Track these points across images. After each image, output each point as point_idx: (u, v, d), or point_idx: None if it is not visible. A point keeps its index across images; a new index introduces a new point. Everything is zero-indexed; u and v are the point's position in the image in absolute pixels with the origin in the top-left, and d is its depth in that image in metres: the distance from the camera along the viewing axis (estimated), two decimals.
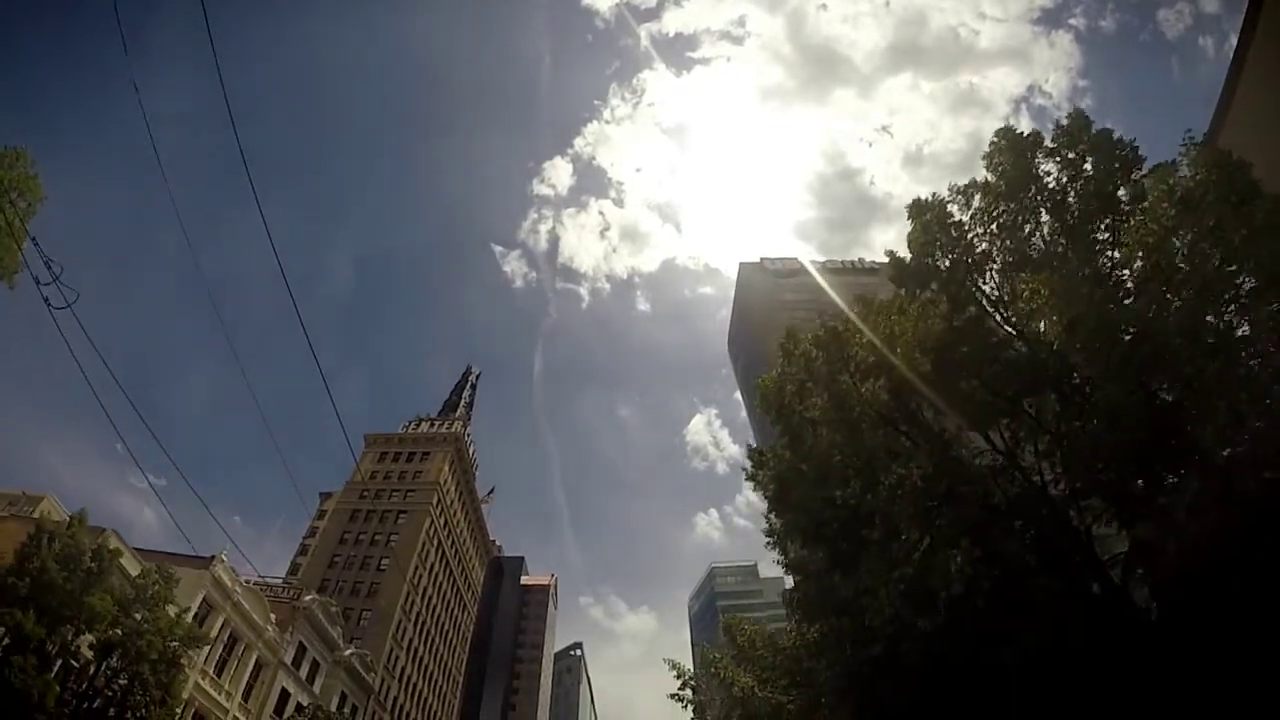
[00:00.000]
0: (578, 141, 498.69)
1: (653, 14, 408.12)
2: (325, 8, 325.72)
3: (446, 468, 76.00)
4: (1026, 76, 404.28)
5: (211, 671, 37.58)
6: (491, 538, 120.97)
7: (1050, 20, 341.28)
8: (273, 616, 43.33)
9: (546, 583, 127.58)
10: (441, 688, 72.77)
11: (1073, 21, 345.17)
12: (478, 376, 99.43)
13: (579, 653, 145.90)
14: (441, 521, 74.37)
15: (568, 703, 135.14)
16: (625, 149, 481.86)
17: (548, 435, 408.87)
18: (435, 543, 72.26)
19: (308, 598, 46.55)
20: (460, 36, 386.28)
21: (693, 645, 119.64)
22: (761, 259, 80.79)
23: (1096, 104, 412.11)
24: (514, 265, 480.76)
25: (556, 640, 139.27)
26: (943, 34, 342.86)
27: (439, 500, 73.36)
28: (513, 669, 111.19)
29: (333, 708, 50.10)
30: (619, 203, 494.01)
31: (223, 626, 39.01)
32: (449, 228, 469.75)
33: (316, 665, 48.12)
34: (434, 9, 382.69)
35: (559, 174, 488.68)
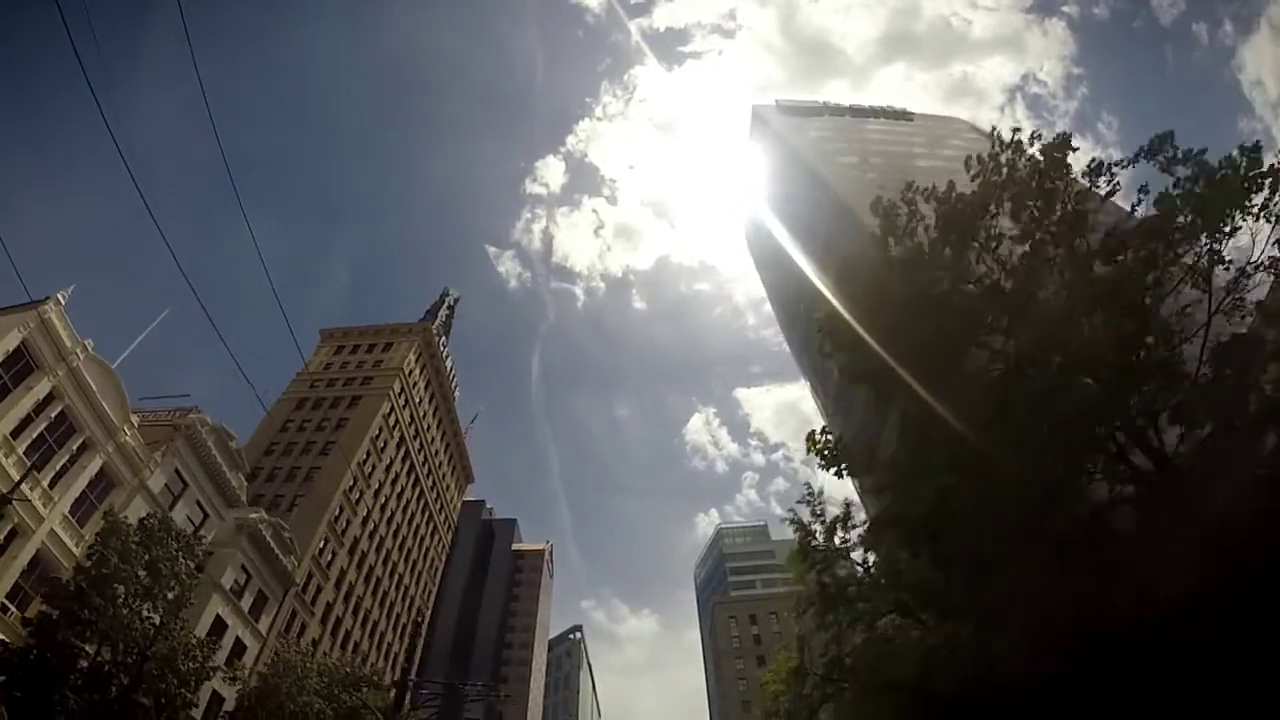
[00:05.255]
0: (570, 139, 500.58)
1: (643, 9, 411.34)
2: (315, 8, 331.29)
3: (413, 357, 65.53)
4: (1020, 65, 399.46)
5: (20, 450, 27.08)
6: (480, 499, 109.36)
7: (1043, 8, 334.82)
8: (135, 420, 32.87)
9: (541, 548, 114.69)
10: (399, 617, 60.72)
11: (1066, 9, 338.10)
12: (456, 300, 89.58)
13: (578, 635, 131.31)
14: (406, 416, 63.43)
15: (567, 688, 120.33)
16: (618, 146, 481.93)
17: (546, 437, 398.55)
18: (396, 437, 61.24)
19: (193, 415, 35.88)
20: (450, 35, 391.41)
21: (700, 615, 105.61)
22: (776, 101, 70.23)
23: (1091, 91, 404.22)
24: (508, 266, 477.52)
25: (552, 629, 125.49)
26: (935, 23, 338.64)
27: (402, 389, 62.67)
28: (502, 638, 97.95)
29: (227, 585, 38.64)
30: (612, 200, 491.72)
31: (49, 400, 28.71)
32: (441, 228, 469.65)
33: (204, 516, 37.23)
34: (423, 7, 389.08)
35: (551, 172, 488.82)
